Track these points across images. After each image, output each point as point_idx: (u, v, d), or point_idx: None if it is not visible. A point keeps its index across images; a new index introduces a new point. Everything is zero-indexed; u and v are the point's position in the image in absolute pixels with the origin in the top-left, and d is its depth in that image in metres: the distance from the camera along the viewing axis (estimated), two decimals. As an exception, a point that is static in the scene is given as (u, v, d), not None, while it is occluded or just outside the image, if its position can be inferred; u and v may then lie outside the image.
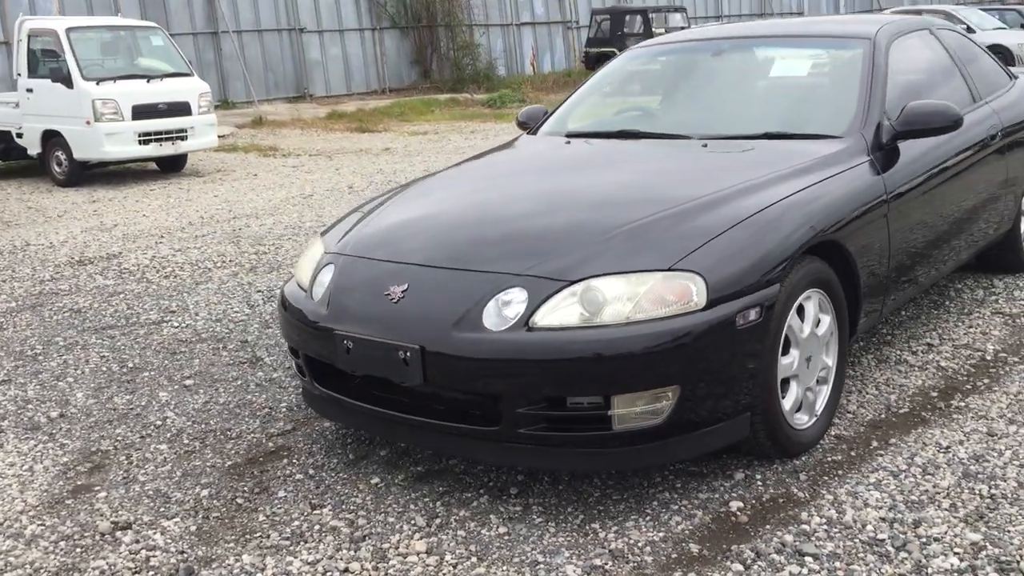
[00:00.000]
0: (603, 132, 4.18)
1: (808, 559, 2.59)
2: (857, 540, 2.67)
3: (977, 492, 2.90)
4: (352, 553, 2.79)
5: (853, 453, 3.21)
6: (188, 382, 4.29)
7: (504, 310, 2.80)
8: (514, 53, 25.74)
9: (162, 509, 3.14)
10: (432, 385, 2.86)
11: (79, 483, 3.37)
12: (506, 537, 2.83)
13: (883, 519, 2.76)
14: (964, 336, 4.26)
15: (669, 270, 2.79)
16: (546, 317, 2.76)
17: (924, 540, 2.65)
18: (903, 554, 2.59)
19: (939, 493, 2.90)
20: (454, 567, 2.70)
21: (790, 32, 4.52)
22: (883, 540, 2.66)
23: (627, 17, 21.67)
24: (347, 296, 3.11)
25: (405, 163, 11.55)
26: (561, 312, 2.77)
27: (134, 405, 4.06)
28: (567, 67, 26.41)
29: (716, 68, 4.31)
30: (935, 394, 3.66)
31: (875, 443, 3.26)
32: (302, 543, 2.87)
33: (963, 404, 3.54)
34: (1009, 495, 2.87)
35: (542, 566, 2.66)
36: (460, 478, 3.21)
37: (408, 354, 2.83)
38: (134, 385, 4.29)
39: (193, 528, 3.00)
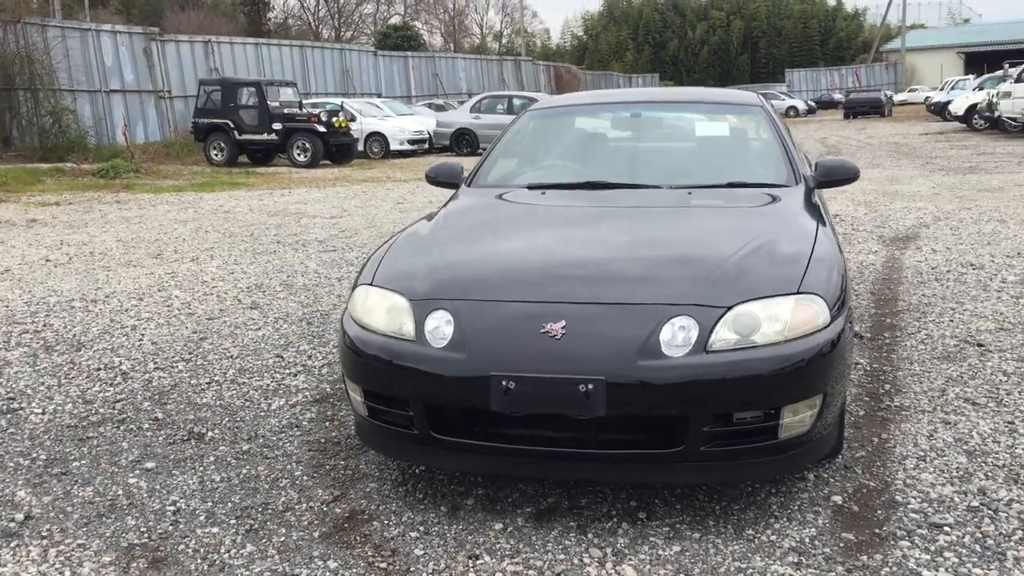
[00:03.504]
0: (568, 184, 4.45)
1: (947, 528, 3.10)
2: (961, 508, 3.23)
3: (990, 463, 3.62)
4: (570, 590, 2.80)
5: (869, 449, 3.80)
6: (148, 465, 3.80)
7: (677, 337, 3.01)
8: (105, 122, 24.12)
9: (306, 586, 2.86)
10: (613, 415, 2.96)
11: (162, 579, 2.92)
12: (687, 553, 3.00)
13: (958, 492, 3.36)
14: (833, 355, 5.10)
15: (798, 293, 3.19)
16: (715, 341, 3.02)
17: (1004, 501, 3.28)
18: (1003, 513, 3.20)
19: (968, 467, 3.58)
20: (673, 585, 2.83)
21: (688, 99, 5.16)
22: (978, 507, 3.25)
23: (240, 89, 21.36)
24: (492, 339, 3.09)
25: (82, 234, 10.54)
26: (721, 336, 3.04)
27: (112, 496, 3.52)
28: (162, 138, 25.30)
29: (642, 127, 4.80)
30: (867, 399, 4.40)
31: (875, 439, 3.89)
32: (506, 590, 2.81)
33: (896, 404, 4.31)
34: (1014, 461, 3.63)
35: (751, 570, 2.89)
36: (578, 512, 3.30)
37: (591, 386, 2.92)
38: (80, 477, 3.71)
39: (368, 597, 2.79)
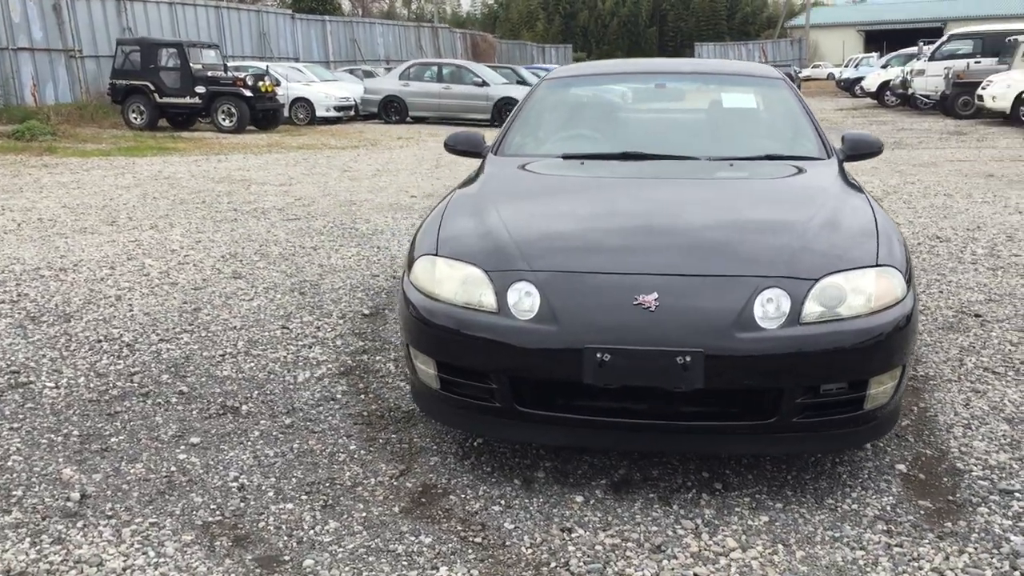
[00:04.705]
0: (604, 154, 4.41)
1: (1017, 494, 3.20)
2: None
3: (1032, 431, 3.77)
4: (677, 561, 2.80)
5: (913, 418, 3.90)
6: (193, 440, 3.67)
7: (769, 310, 3.03)
8: (13, 82, 22.96)
9: (406, 562, 2.81)
10: (709, 387, 2.97)
11: (251, 557, 2.83)
12: (777, 524, 3.03)
13: (1014, 459, 3.47)
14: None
15: (877, 266, 3.23)
16: (807, 314, 3.05)
17: (1061, 467, 3.43)
18: (1065, 478, 3.34)
19: (1013, 435, 3.69)
20: (774, 555, 2.85)
21: (711, 70, 5.15)
22: (1039, 472, 3.38)
23: (161, 50, 20.54)
24: (583, 311, 3.05)
25: (21, 200, 10.06)
26: (811, 308, 3.07)
27: (166, 472, 3.40)
28: (73, 99, 24.23)
29: (668, 98, 4.77)
30: (889, 369, 4.51)
31: (915, 409, 4.00)
32: (611, 563, 2.80)
33: (922, 374, 4.41)
34: (1053, 430, 3.78)
35: (847, 538, 2.93)
36: (653, 484, 3.30)
37: (688, 359, 2.92)
38: (124, 453, 3.56)
39: (476, 573, 2.75)
